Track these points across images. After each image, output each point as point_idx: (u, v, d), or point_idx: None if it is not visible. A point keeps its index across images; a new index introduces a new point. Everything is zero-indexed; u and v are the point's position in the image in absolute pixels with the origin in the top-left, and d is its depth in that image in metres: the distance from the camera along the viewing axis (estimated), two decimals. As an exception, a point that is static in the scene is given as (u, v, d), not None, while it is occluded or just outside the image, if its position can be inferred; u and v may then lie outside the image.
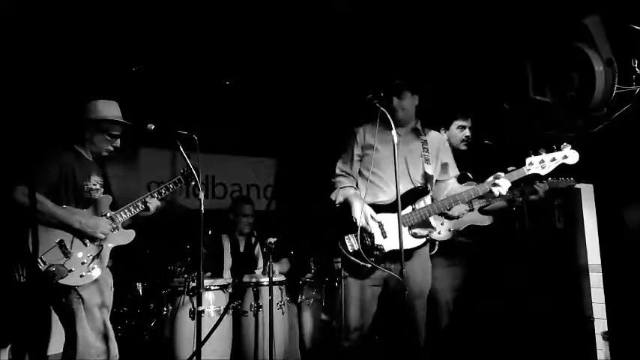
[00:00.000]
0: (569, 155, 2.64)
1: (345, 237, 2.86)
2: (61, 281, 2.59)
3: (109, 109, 2.95)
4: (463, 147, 3.61)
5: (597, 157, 3.43)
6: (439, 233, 3.33)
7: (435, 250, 3.31)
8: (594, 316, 3.98)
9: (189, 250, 3.98)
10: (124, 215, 2.92)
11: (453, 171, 3.14)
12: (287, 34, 3.94)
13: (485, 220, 3.43)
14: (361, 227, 2.80)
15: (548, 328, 3.75)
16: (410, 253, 2.83)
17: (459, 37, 3.88)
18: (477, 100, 3.99)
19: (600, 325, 3.89)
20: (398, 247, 2.61)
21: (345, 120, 3.25)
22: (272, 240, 3.76)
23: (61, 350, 2.74)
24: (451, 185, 3.08)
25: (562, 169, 3.43)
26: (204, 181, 5.42)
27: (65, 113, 3.13)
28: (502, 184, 2.68)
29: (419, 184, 2.97)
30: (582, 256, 4.16)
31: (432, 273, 3.31)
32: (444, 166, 3.11)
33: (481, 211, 3.45)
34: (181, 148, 2.81)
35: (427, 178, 2.99)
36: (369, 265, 2.77)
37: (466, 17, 3.70)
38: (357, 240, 2.82)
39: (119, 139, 2.98)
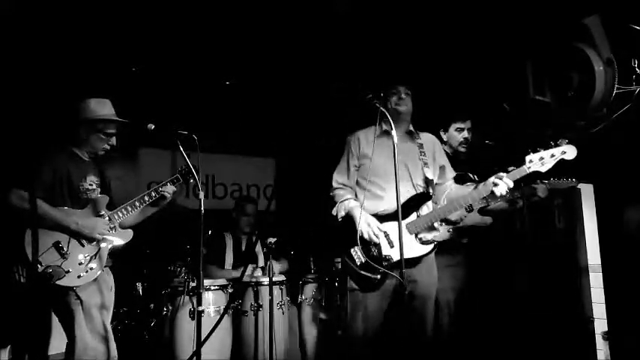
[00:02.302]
0: (568, 151, 2.62)
1: (352, 250, 2.81)
2: (58, 282, 2.59)
3: (102, 108, 2.93)
4: (462, 149, 3.60)
5: (597, 157, 3.43)
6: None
7: (435, 250, 3.30)
8: (594, 316, 3.98)
9: (190, 250, 3.98)
10: (121, 215, 2.91)
11: (451, 173, 3.12)
12: (287, 34, 3.94)
13: (486, 221, 3.43)
14: (368, 239, 2.76)
15: (548, 328, 3.75)
16: (420, 258, 2.81)
17: (459, 37, 3.88)
18: (476, 101, 3.99)
19: (600, 325, 3.89)
20: (405, 256, 2.62)
21: (345, 120, 3.24)
22: (272, 240, 3.76)
23: (63, 350, 2.74)
24: (450, 187, 3.06)
25: (563, 169, 3.44)
26: (204, 181, 5.42)
27: (60, 114, 3.12)
28: (503, 184, 2.63)
29: (421, 189, 2.94)
30: (582, 256, 4.16)
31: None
32: (442, 169, 3.08)
33: (481, 211, 3.44)
34: (181, 148, 2.81)
35: (428, 182, 2.96)
36: (379, 277, 2.73)
37: (465, 17, 3.70)
38: (363, 252, 2.78)
39: (115, 137, 2.97)
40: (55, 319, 2.85)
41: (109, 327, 2.77)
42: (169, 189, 3.03)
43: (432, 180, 2.98)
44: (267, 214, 5.29)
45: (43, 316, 2.91)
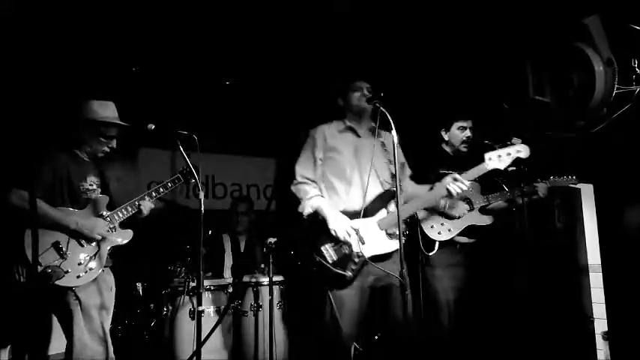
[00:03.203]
0: (522, 150, 2.77)
1: (322, 248, 2.77)
2: (57, 282, 2.59)
3: (105, 110, 2.92)
4: (464, 148, 3.60)
5: (597, 157, 3.43)
6: (439, 234, 3.33)
7: (435, 250, 3.31)
8: (594, 316, 3.98)
9: (189, 250, 3.98)
10: (121, 215, 2.91)
11: (408, 170, 3.13)
12: (287, 34, 3.94)
13: (486, 220, 3.43)
14: (341, 238, 2.74)
15: (548, 328, 3.75)
16: (390, 254, 2.81)
17: (459, 37, 3.88)
18: (477, 101, 3.99)
19: (600, 325, 3.89)
20: (377, 252, 2.74)
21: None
22: (272, 240, 3.76)
23: (63, 350, 2.74)
24: (410, 185, 3.07)
25: (562, 167, 3.45)
26: (204, 181, 5.42)
27: (60, 114, 3.11)
28: (459, 184, 2.73)
29: (388, 186, 2.92)
30: (582, 256, 4.16)
31: (432, 273, 3.33)
32: (402, 166, 3.07)
33: (481, 210, 3.45)
34: (181, 148, 2.81)
35: (393, 178, 2.95)
36: (351, 273, 2.72)
37: (466, 17, 3.70)
38: (334, 250, 2.76)
39: (115, 140, 2.96)
40: (54, 319, 2.85)
41: (107, 328, 2.77)
42: (147, 205, 2.97)
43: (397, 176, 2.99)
44: (267, 214, 5.28)
45: (43, 316, 2.90)
